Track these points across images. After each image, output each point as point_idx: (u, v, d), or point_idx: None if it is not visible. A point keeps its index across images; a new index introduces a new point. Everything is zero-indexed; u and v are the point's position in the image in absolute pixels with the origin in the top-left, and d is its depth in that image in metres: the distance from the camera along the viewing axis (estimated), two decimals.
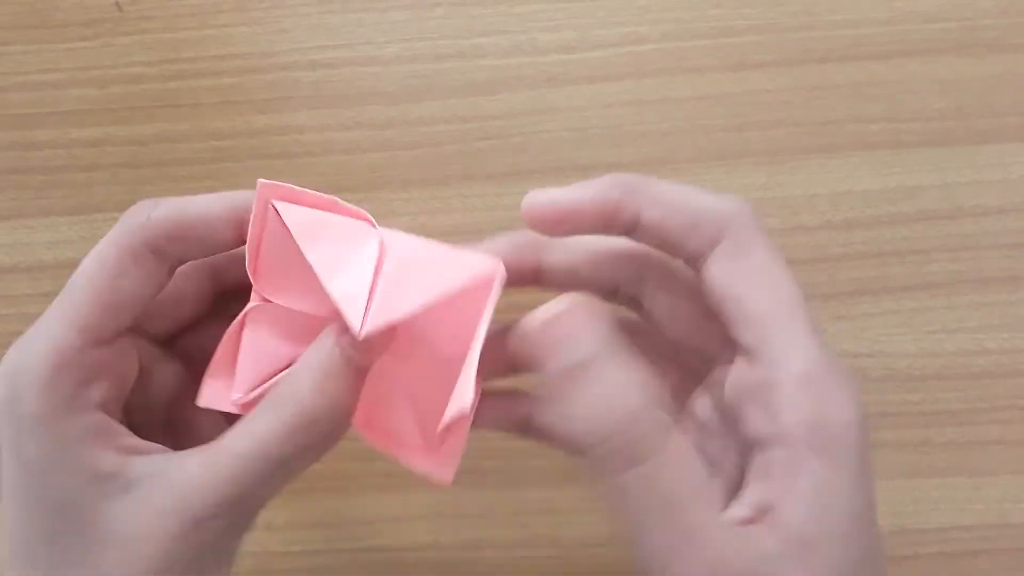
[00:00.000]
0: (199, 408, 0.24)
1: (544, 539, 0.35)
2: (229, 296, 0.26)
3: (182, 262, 0.23)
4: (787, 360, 0.21)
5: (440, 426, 0.22)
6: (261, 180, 0.23)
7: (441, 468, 0.23)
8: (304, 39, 0.36)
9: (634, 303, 0.25)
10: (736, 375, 0.22)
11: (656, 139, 0.36)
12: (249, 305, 0.24)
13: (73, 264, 0.36)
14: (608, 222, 0.23)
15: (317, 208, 0.23)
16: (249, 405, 0.23)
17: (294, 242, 0.22)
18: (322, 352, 0.22)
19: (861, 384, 0.22)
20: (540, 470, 0.36)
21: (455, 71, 0.36)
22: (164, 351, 0.26)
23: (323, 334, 0.22)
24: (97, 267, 0.22)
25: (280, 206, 0.23)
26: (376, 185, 0.36)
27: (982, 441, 0.35)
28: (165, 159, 0.37)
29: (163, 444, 0.23)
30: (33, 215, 0.37)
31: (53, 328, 0.21)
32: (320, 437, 0.22)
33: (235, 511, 0.21)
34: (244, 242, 0.23)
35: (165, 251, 0.22)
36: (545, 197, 0.23)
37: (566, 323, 0.20)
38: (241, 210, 0.22)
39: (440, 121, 0.36)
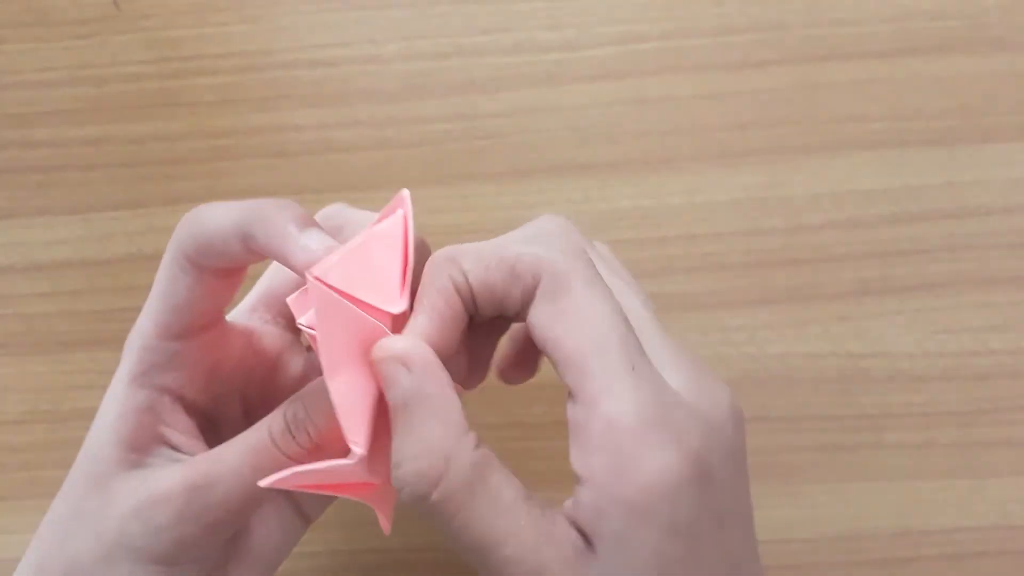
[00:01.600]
0: None
1: None
2: None
3: (224, 268, 0.25)
4: (598, 406, 0.20)
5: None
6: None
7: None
8: (303, 37, 0.36)
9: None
10: (568, 409, 0.22)
11: (657, 138, 0.35)
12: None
13: (70, 263, 0.37)
14: (462, 318, 0.23)
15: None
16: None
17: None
18: (253, 434, 0.24)
19: (696, 425, 0.20)
20: (539, 472, 0.36)
21: (455, 69, 0.36)
22: (297, 340, 0.29)
23: (264, 422, 0.24)
24: (160, 273, 0.25)
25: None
26: (375, 184, 0.36)
27: (986, 442, 0.34)
28: (163, 158, 0.36)
29: None
30: (30, 214, 0.37)
31: (142, 316, 0.25)
32: (216, 500, 0.23)
33: (180, 511, 0.23)
34: (257, 256, 0.23)
35: (199, 263, 0.24)
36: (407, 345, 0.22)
37: (391, 366, 0.21)
38: (245, 225, 0.23)
39: (440, 120, 0.36)
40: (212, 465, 0.23)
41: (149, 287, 0.36)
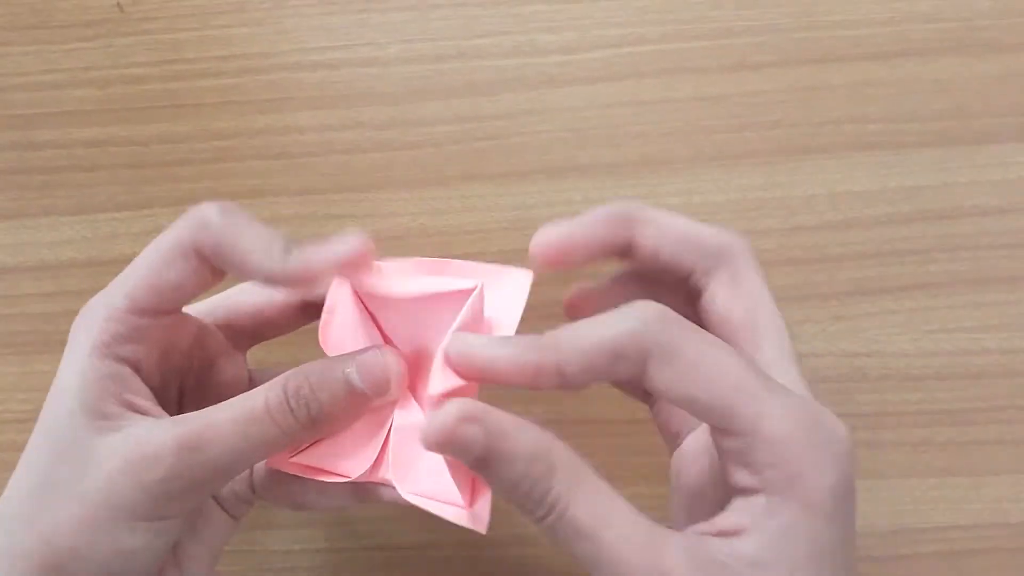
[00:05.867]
0: None
1: (544, 538, 0.35)
2: (315, 310, 0.28)
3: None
4: (759, 431, 0.22)
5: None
6: (337, 280, 0.26)
7: (475, 519, 0.24)
8: (305, 40, 0.36)
9: (695, 293, 0.27)
10: (720, 442, 0.23)
11: (655, 140, 0.36)
12: None
13: (75, 264, 0.37)
14: (608, 253, 0.26)
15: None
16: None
17: (356, 311, 0.26)
18: (248, 402, 0.25)
19: (846, 431, 0.22)
20: None
21: (456, 72, 0.36)
22: (237, 351, 0.30)
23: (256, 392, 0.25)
24: (153, 252, 0.26)
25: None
26: (376, 185, 0.36)
27: (981, 441, 0.35)
28: (166, 159, 0.37)
29: None
30: (35, 215, 0.37)
31: (111, 290, 0.26)
32: (206, 460, 0.24)
33: (175, 466, 0.24)
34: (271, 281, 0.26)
35: (208, 259, 0.25)
36: (550, 237, 0.25)
37: (450, 435, 0.22)
38: (279, 271, 0.25)
39: (440, 121, 0.36)
40: (204, 428, 0.24)
41: None
